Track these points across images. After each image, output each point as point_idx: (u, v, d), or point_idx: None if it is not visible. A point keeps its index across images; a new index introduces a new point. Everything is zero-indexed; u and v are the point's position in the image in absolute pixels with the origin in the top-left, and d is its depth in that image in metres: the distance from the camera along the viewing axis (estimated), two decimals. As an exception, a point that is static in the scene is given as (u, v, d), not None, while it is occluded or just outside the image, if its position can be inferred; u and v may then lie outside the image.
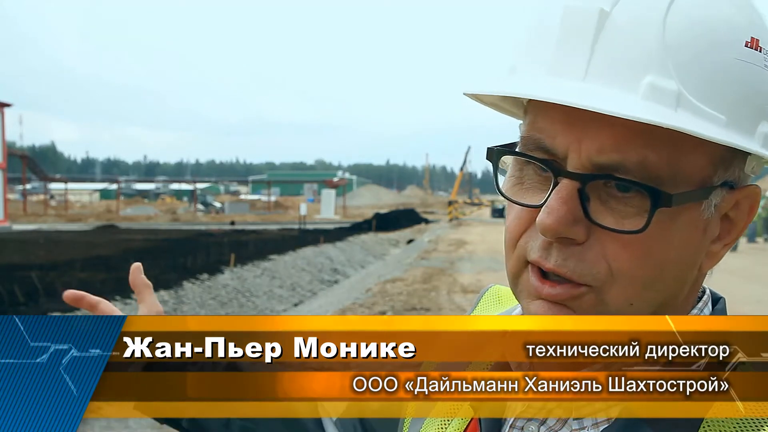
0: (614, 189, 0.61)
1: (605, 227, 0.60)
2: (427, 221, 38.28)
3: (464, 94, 0.66)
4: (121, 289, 11.06)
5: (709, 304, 0.69)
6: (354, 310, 11.00)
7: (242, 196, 76.51)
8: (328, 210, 45.34)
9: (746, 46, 0.59)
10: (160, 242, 20.33)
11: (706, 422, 0.59)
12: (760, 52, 0.60)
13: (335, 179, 68.34)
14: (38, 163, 56.80)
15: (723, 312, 0.69)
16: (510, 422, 0.69)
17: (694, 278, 0.66)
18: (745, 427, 0.59)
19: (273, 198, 63.00)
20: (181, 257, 15.38)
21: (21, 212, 42.74)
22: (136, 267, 1.12)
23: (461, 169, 62.83)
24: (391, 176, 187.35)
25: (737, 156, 0.62)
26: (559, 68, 0.61)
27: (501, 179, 0.68)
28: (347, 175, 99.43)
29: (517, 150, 0.66)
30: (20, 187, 56.85)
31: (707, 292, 0.70)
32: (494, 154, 0.68)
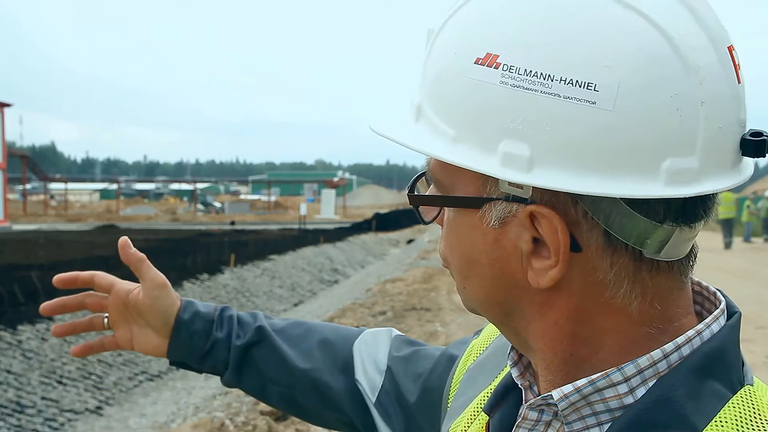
0: None
1: (432, 213, 0.73)
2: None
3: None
4: (121, 289, 11.04)
5: (720, 320, 0.64)
6: (354, 310, 11.00)
7: (242, 196, 76.49)
8: (328, 210, 45.33)
9: (477, 63, 0.59)
10: (160, 242, 20.33)
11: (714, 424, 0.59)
12: (496, 68, 0.58)
13: (335, 179, 68.34)
14: (38, 163, 56.81)
15: (731, 330, 0.64)
16: (512, 429, 0.70)
17: (535, 293, 0.64)
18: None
19: (273, 198, 62.98)
20: (181, 257, 15.38)
21: (21, 212, 42.74)
22: (124, 242, 1.16)
23: (461, 169, 62.54)
24: (391, 176, 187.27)
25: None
26: None
27: None
28: (347, 175, 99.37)
29: None
30: (20, 187, 56.85)
31: (722, 305, 0.66)
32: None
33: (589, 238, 0.60)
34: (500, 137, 0.58)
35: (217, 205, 56.36)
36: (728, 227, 20.83)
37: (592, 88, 0.55)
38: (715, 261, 16.99)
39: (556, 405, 0.64)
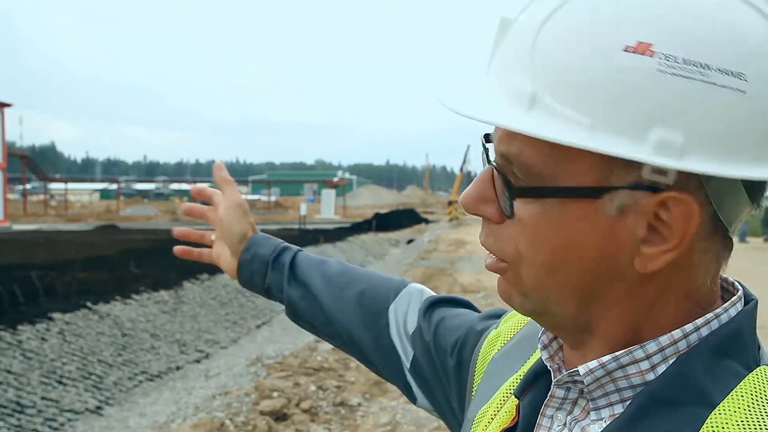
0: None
1: (499, 207, 0.68)
2: (427, 221, 38.29)
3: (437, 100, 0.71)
4: (121, 289, 11.07)
5: (738, 305, 0.68)
6: (354, 310, 11.00)
7: (242, 196, 76.36)
8: (328, 210, 45.34)
9: (626, 50, 0.59)
10: (160, 242, 20.32)
11: (710, 420, 0.61)
12: (652, 56, 0.58)
13: (335, 179, 68.33)
14: (38, 163, 56.81)
15: (748, 314, 0.67)
16: (540, 410, 0.73)
17: (634, 278, 0.65)
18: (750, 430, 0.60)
19: (273, 198, 62.97)
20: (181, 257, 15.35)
21: (21, 212, 42.73)
22: (218, 166, 1.29)
23: (461, 168, 62.76)
24: (391, 176, 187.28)
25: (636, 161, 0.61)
26: (486, 70, 0.69)
27: None
28: (347, 175, 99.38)
29: None
30: (20, 187, 56.88)
31: (740, 292, 0.69)
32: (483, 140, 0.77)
33: (703, 221, 0.63)
34: (650, 124, 0.58)
35: (217, 205, 56.18)
36: None
37: (743, 78, 0.58)
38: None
39: (581, 382, 0.67)
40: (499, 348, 0.91)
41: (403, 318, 1.10)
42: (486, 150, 0.71)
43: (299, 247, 1.27)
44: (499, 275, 0.71)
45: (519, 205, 0.66)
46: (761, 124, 0.59)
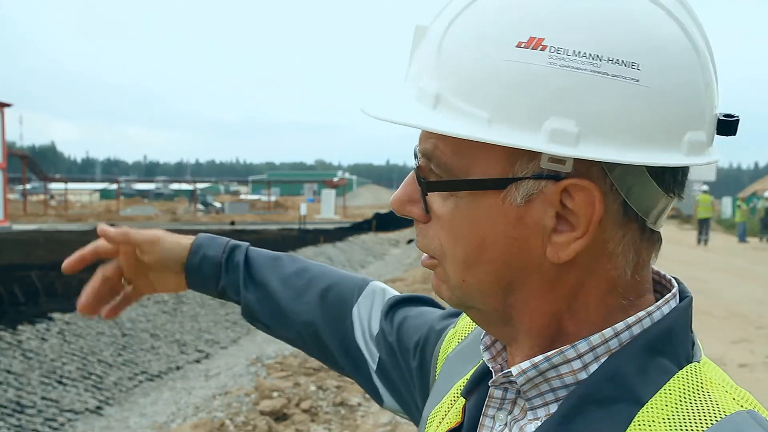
0: None
1: (424, 208, 0.70)
2: (427, 221, 38.13)
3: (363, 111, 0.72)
4: (121, 289, 11.04)
5: (672, 303, 0.69)
6: (354, 310, 11.00)
7: (242, 196, 76.47)
8: (328, 210, 45.32)
9: (519, 46, 0.61)
10: (160, 242, 20.28)
11: (638, 418, 0.62)
12: (543, 50, 0.60)
13: (335, 179, 68.31)
14: (38, 163, 56.80)
15: (681, 312, 0.68)
16: (483, 410, 0.75)
17: (549, 268, 0.66)
18: (675, 426, 0.61)
19: (273, 198, 62.97)
20: (181, 257, 15.35)
21: (21, 212, 42.72)
22: (103, 230, 1.18)
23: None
24: (391, 176, 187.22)
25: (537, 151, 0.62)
26: (405, 77, 0.71)
27: None
28: (347, 175, 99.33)
29: None
30: (20, 187, 56.86)
31: (675, 289, 0.70)
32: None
33: (610, 210, 0.64)
34: (545, 115, 0.61)
35: (217, 205, 56.34)
36: (705, 226, 23.02)
37: (636, 68, 0.60)
38: (715, 261, 16.99)
39: (515, 383, 0.69)
40: (455, 347, 0.92)
41: (367, 319, 1.10)
42: (415, 153, 0.72)
43: (247, 243, 1.20)
44: (432, 271, 0.73)
45: (436, 201, 0.69)
46: (659, 112, 0.61)
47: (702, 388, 0.64)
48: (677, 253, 17.79)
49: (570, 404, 0.65)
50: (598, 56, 0.60)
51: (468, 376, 0.82)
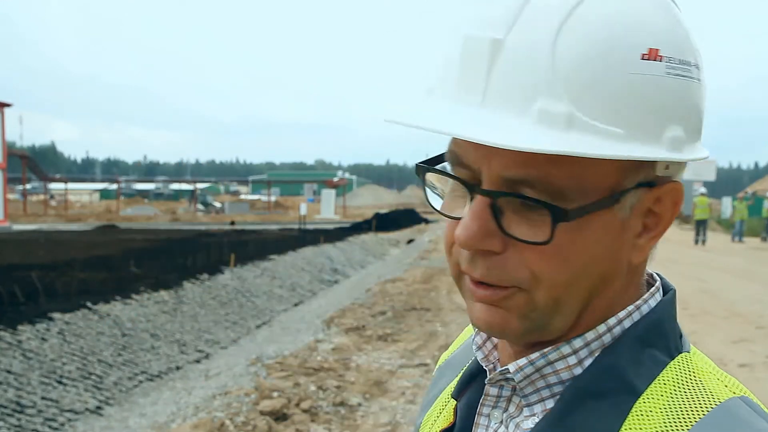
0: (520, 201, 0.64)
1: (516, 238, 0.64)
2: (427, 221, 38.26)
3: (386, 120, 0.67)
4: (122, 289, 11.06)
5: (657, 296, 0.72)
6: (354, 310, 10.99)
7: (242, 196, 76.47)
8: (328, 210, 45.33)
9: (643, 58, 0.61)
10: (160, 242, 20.32)
11: (636, 408, 0.64)
12: (660, 60, 0.62)
13: (335, 179, 68.31)
14: (38, 163, 56.76)
15: (667, 304, 0.71)
16: (477, 409, 0.75)
17: (625, 271, 0.69)
18: (672, 413, 0.63)
19: (273, 198, 62.97)
20: (181, 257, 15.37)
21: (21, 212, 42.71)
22: None
23: (461, 169, 62.51)
24: (391, 176, 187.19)
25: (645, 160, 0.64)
26: (462, 95, 0.64)
27: (429, 193, 0.73)
28: (347, 175, 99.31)
29: (444, 161, 0.72)
30: (20, 187, 56.84)
31: (657, 283, 0.73)
32: (420, 171, 0.72)
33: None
34: (665, 124, 0.63)
35: (217, 205, 56.32)
36: (703, 228, 23.56)
37: (699, 68, 0.66)
38: (715, 262, 16.99)
39: (513, 379, 0.69)
40: (443, 361, 0.94)
41: None
42: (465, 181, 0.66)
43: None
44: (488, 305, 0.67)
45: (542, 228, 0.63)
46: (702, 106, 0.68)
47: (694, 376, 0.66)
48: (677, 253, 17.79)
49: (568, 398, 0.66)
50: (689, 62, 0.65)
51: (457, 379, 0.83)
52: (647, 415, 0.63)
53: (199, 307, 11.57)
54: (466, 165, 0.66)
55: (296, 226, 29.50)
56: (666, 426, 0.62)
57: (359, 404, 6.39)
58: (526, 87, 0.61)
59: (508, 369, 0.69)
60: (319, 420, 5.98)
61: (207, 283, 12.90)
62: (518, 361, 0.69)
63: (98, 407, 7.38)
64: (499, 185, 0.64)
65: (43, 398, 7.18)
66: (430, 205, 0.72)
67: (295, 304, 13.87)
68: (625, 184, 0.64)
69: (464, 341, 0.92)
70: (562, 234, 0.63)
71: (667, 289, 0.73)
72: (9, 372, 7.40)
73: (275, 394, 6.34)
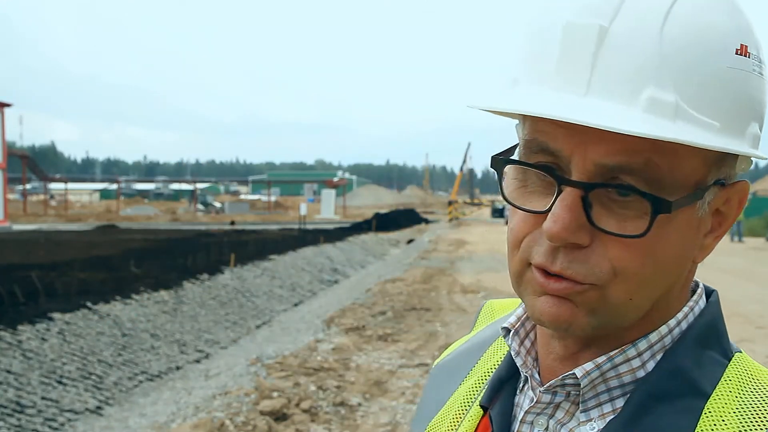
0: (615, 192, 0.63)
1: (608, 232, 0.62)
2: (427, 221, 38.29)
3: (469, 106, 0.67)
4: (121, 289, 11.07)
5: (703, 297, 0.72)
6: (354, 310, 11.00)
7: (242, 196, 76.50)
8: (328, 210, 45.34)
9: (736, 53, 0.62)
10: (160, 242, 20.33)
11: (707, 410, 0.63)
12: (749, 57, 0.63)
13: (335, 179, 68.34)
14: (38, 163, 56.79)
15: (716, 305, 0.72)
16: (520, 417, 0.72)
17: (688, 271, 0.69)
18: (746, 414, 0.62)
19: (273, 198, 62.98)
20: (181, 257, 15.37)
21: (21, 212, 42.72)
22: None
23: (461, 168, 62.78)
24: (391, 176, 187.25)
25: (728, 156, 0.65)
26: (561, 83, 0.63)
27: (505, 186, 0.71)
28: (347, 175, 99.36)
29: (518, 151, 0.69)
30: (20, 187, 56.85)
31: (700, 285, 0.73)
32: (499, 163, 0.70)
33: None
34: (749, 120, 0.64)
35: (217, 205, 56.35)
36: None
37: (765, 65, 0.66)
38: (715, 262, 17.00)
39: (572, 385, 0.67)
40: (438, 362, 0.91)
41: None
42: (553, 171, 0.64)
43: None
44: (557, 298, 0.65)
45: (635, 220, 0.62)
46: None
47: (752, 376, 0.66)
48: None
49: (636, 402, 0.65)
50: (764, 61, 0.65)
51: (474, 384, 0.81)
52: (721, 417, 0.62)
53: (199, 307, 11.57)
54: (553, 152, 0.64)
55: (296, 226, 29.52)
56: (743, 426, 0.61)
57: (359, 404, 6.39)
58: (634, 75, 0.61)
59: (573, 374, 0.66)
60: (319, 420, 5.98)
61: (207, 283, 12.90)
62: (585, 366, 0.66)
63: (98, 407, 7.38)
64: (591, 175, 0.62)
65: (43, 398, 7.18)
66: (504, 198, 0.69)
67: (295, 304, 13.87)
68: (708, 180, 0.65)
69: (459, 345, 0.91)
70: (654, 227, 0.61)
71: (708, 291, 0.73)
72: (9, 372, 7.40)
73: (275, 394, 6.35)
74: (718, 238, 0.68)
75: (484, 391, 0.78)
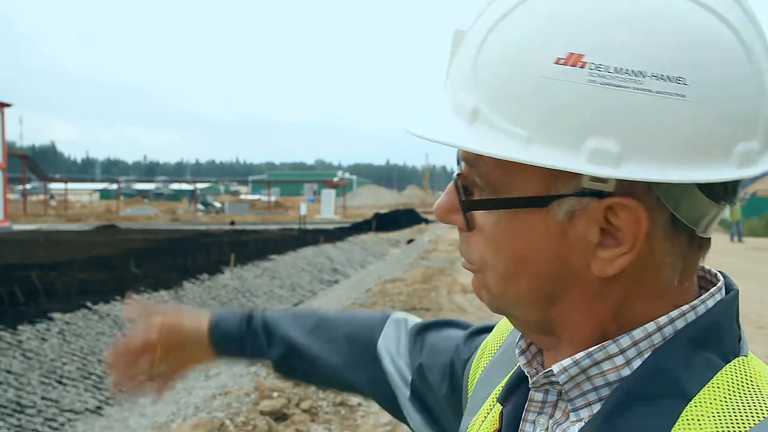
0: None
1: (462, 221, 0.69)
2: (427, 221, 38.27)
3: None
4: (121, 289, 11.06)
5: (717, 296, 0.67)
6: (354, 310, 11.00)
7: (242, 196, 76.53)
8: (328, 210, 45.36)
9: (557, 63, 0.59)
10: (160, 242, 20.33)
11: (686, 412, 0.61)
12: (583, 67, 0.58)
13: (335, 179, 68.36)
14: (38, 163, 56.79)
15: (726, 305, 0.67)
16: (523, 416, 0.73)
17: (594, 281, 0.65)
18: (725, 418, 0.60)
19: (273, 198, 63.01)
20: (181, 257, 15.37)
21: (21, 212, 42.73)
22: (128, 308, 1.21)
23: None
24: (391, 176, 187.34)
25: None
26: (444, 85, 0.69)
27: None
28: (347, 175, 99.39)
29: None
30: (20, 187, 56.86)
31: (720, 282, 0.69)
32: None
33: (657, 224, 0.62)
34: (585, 135, 0.59)
35: (217, 205, 56.35)
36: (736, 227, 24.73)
37: (682, 82, 0.58)
38: (715, 262, 16.98)
39: (558, 383, 0.67)
40: (489, 359, 0.91)
41: (395, 349, 1.11)
42: (458, 158, 0.70)
43: (263, 309, 1.25)
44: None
45: (478, 214, 0.68)
46: (705, 126, 0.58)
47: (751, 382, 0.63)
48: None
49: (614, 401, 0.64)
50: (641, 72, 0.58)
51: (504, 383, 0.81)
52: (698, 421, 0.60)
53: (199, 308, 11.57)
54: None
55: (296, 226, 29.52)
56: (718, 430, 0.59)
57: (359, 404, 6.39)
58: (456, 78, 0.66)
59: (551, 371, 0.67)
60: (319, 420, 5.98)
61: (207, 283, 12.90)
62: (562, 362, 0.66)
63: (98, 407, 7.38)
64: (465, 167, 0.69)
65: (43, 398, 7.18)
66: None
67: (295, 304, 13.87)
68: (559, 188, 0.62)
69: (504, 339, 0.90)
70: (493, 225, 0.66)
71: (729, 289, 0.69)
72: (9, 372, 7.40)
73: (275, 393, 6.35)
74: (623, 255, 0.62)
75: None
